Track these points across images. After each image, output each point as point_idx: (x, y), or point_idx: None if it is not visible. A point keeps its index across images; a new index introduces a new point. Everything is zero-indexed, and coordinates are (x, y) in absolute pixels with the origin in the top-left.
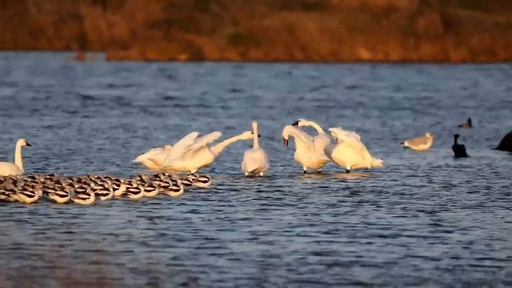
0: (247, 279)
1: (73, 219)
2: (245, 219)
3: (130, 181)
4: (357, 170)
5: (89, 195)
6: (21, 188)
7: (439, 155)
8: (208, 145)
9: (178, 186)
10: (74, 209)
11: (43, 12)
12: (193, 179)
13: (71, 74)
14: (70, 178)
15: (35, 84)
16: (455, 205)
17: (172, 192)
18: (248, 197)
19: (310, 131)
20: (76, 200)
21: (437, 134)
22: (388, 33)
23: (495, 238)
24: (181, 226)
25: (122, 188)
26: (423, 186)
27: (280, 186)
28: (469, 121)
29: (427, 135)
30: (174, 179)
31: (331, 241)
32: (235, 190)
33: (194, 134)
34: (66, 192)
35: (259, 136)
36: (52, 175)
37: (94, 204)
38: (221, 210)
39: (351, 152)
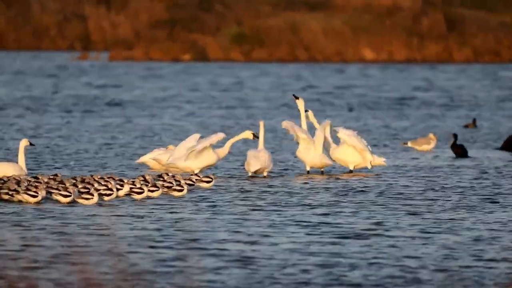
0: (236, 279)
1: (61, 219)
2: (238, 219)
3: (133, 181)
4: (360, 170)
5: (93, 195)
6: (25, 188)
7: (441, 156)
8: (213, 147)
9: (182, 186)
10: (60, 209)
11: (46, 12)
12: (196, 179)
13: (66, 74)
14: (74, 178)
15: (32, 84)
16: (450, 206)
17: (175, 192)
18: (245, 197)
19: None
20: (80, 200)
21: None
22: (392, 33)
23: (488, 238)
24: (172, 226)
25: (126, 188)
26: (419, 186)
27: (279, 187)
28: (474, 121)
29: (431, 135)
30: (177, 179)
31: (323, 242)
32: (233, 190)
33: (197, 135)
34: (70, 192)
35: (255, 136)
36: (56, 175)
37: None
38: (214, 210)
39: (354, 152)
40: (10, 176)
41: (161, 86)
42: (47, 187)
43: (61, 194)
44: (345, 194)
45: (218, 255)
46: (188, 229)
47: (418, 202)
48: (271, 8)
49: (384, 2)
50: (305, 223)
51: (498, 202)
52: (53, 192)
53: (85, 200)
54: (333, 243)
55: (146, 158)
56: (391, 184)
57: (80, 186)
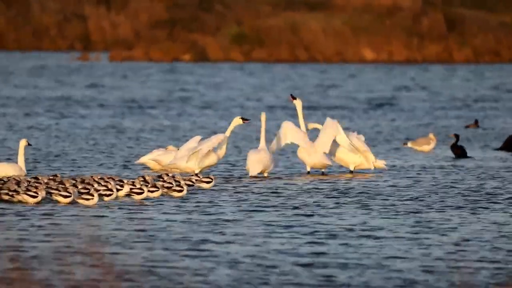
0: (229, 280)
1: (49, 219)
2: (232, 220)
3: (133, 182)
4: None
5: (93, 195)
6: (25, 189)
7: (441, 156)
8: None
9: (182, 187)
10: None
11: (46, 12)
12: (196, 180)
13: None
14: (74, 179)
15: (29, 84)
16: (444, 206)
17: (175, 192)
18: (240, 198)
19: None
20: (80, 201)
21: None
22: (392, 33)
23: (481, 239)
24: (166, 227)
25: (126, 189)
26: (416, 187)
27: (277, 187)
28: (476, 122)
29: (431, 135)
30: (177, 179)
31: (315, 243)
32: (227, 191)
33: (198, 138)
34: (70, 193)
35: (247, 120)
36: (56, 175)
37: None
38: (208, 211)
39: (354, 152)
40: (10, 177)
41: (151, 85)
42: (47, 187)
43: (61, 195)
44: (340, 195)
45: (206, 256)
46: (176, 230)
47: (412, 202)
48: (271, 8)
49: (384, 2)
50: (292, 224)
51: (492, 203)
52: (53, 193)
53: (85, 201)
54: (322, 244)
55: (146, 159)
56: (388, 185)
57: (80, 186)
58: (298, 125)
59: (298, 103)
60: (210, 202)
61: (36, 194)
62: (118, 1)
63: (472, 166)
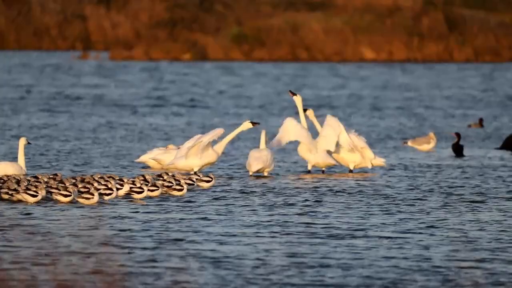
0: (214, 280)
1: (38, 220)
2: (220, 220)
3: (133, 181)
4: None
5: (93, 194)
6: (25, 188)
7: (439, 155)
8: (212, 143)
9: (182, 186)
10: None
11: (47, 12)
12: (196, 179)
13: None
14: (74, 178)
15: (22, 83)
16: (437, 206)
17: (175, 191)
18: (232, 197)
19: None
20: (80, 200)
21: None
22: (392, 33)
23: (470, 239)
24: (150, 226)
25: (126, 188)
26: (411, 186)
27: (272, 187)
28: (480, 121)
29: (431, 134)
30: (177, 178)
31: (304, 242)
32: (223, 190)
33: (198, 136)
34: (70, 192)
35: (257, 123)
36: (56, 174)
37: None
38: (194, 210)
39: (354, 151)
40: (10, 176)
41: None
42: (47, 186)
43: (61, 194)
44: (334, 194)
45: (192, 255)
46: (166, 229)
47: (405, 202)
48: (271, 8)
49: (385, 2)
50: (281, 224)
51: (483, 202)
52: (53, 192)
53: (85, 200)
54: (311, 243)
55: (146, 158)
56: (385, 185)
57: (80, 185)
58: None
59: (298, 99)
60: (197, 201)
61: (36, 193)
62: (118, 1)
63: (470, 165)
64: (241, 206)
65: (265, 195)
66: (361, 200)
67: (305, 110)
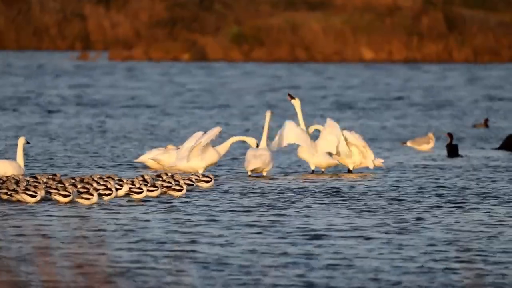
0: (200, 281)
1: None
2: (209, 220)
3: (132, 181)
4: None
5: (92, 195)
6: (24, 188)
7: (438, 156)
8: (212, 144)
9: (181, 186)
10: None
11: (46, 12)
12: (195, 179)
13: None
14: (73, 178)
15: (15, 83)
16: (428, 206)
17: (175, 192)
18: (221, 197)
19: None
20: (79, 200)
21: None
22: (392, 33)
23: (452, 240)
24: (139, 228)
25: (125, 188)
26: (405, 187)
27: (266, 187)
28: (486, 121)
29: (430, 135)
30: (176, 179)
31: (291, 243)
32: (212, 190)
33: (199, 134)
34: (69, 192)
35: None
36: (55, 175)
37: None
38: (185, 211)
39: (354, 152)
40: (9, 176)
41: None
42: (46, 187)
43: (60, 194)
44: (326, 195)
45: (179, 257)
46: (151, 231)
47: (396, 202)
48: (271, 8)
49: (384, 2)
50: (270, 224)
51: (479, 203)
52: (52, 192)
53: (84, 200)
54: (297, 244)
55: (145, 158)
56: (383, 185)
57: (79, 186)
58: (298, 125)
59: (296, 103)
60: (187, 202)
61: (35, 194)
62: (118, 1)
63: (462, 166)
64: (231, 206)
65: (260, 195)
66: (354, 201)
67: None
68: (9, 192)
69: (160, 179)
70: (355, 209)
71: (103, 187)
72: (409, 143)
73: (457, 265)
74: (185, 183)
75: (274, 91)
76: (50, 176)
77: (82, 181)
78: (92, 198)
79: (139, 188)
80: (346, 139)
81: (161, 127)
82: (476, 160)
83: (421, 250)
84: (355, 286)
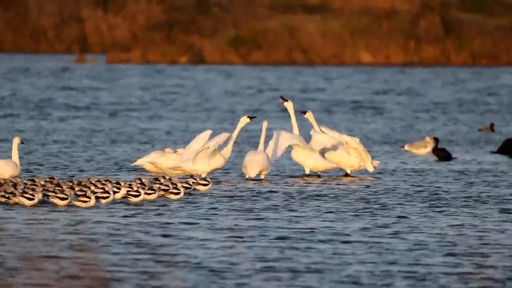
0: (187, 284)
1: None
2: (198, 224)
3: (130, 184)
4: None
5: (90, 198)
6: (21, 191)
7: (433, 160)
8: (218, 149)
9: (179, 189)
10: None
11: (44, 14)
12: (193, 182)
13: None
14: (71, 181)
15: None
16: (419, 211)
17: (172, 195)
18: (213, 201)
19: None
20: (77, 203)
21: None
22: (389, 36)
23: (447, 243)
24: (123, 231)
25: (123, 191)
26: (393, 191)
27: (262, 190)
28: (491, 126)
29: (427, 139)
30: (174, 182)
31: (277, 246)
32: (211, 194)
33: (207, 133)
34: (67, 195)
35: (251, 118)
36: (52, 178)
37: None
38: (170, 215)
39: (352, 155)
40: (6, 179)
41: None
42: (44, 190)
43: (58, 197)
44: (322, 198)
45: (163, 260)
46: (135, 233)
47: (386, 206)
48: (268, 11)
49: (382, 5)
50: (264, 228)
51: (472, 207)
52: (50, 195)
53: (82, 203)
54: (283, 248)
55: (143, 161)
56: (379, 189)
57: (76, 189)
58: (290, 128)
59: (289, 105)
60: (184, 205)
61: (32, 197)
62: (115, 3)
63: (454, 170)
64: (223, 209)
65: (255, 199)
66: (348, 205)
67: (304, 112)
68: (6, 195)
69: (158, 182)
70: (341, 212)
71: (101, 190)
72: (406, 147)
73: (448, 270)
74: (183, 186)
75: (273, 91)
76: (47, 179)
77: (79, 184)
78: (89, 201)
79: (137, 191)
80: (346, 143)
81: (156, 130)
82: (470, 164)
83: (406, 254)
84: None
